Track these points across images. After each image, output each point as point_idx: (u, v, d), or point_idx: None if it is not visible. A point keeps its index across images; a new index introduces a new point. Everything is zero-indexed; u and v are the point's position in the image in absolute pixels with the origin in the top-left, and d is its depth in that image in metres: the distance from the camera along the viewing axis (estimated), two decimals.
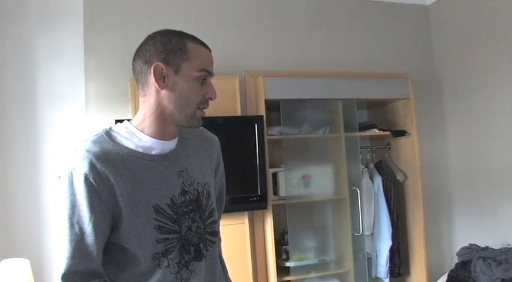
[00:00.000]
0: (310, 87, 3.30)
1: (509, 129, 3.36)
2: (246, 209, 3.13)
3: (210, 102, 1.42)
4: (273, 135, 3.28)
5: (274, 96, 3.19)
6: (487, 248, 3.15)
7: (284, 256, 3.37)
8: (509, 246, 3.12)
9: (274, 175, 3.30)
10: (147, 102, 1.38)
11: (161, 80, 1.35)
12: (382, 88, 3.52)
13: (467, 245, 3.24)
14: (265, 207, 3.13)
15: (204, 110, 1.41)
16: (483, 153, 3.61)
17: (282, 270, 3.25)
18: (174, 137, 1.44)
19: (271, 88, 3.18)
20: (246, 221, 3.14)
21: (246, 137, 3.12)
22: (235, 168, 2.99)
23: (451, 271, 3.17)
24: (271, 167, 3.27)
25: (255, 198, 3.12)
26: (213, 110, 1.53)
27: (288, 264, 3.31)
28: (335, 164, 3.50)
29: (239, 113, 3.19)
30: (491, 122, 3.53)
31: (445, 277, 3.21)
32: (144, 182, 1.34)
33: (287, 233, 3.32)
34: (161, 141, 1.40)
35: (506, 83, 3.39)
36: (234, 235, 3.08)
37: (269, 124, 3.30)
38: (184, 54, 1.35)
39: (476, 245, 3.19)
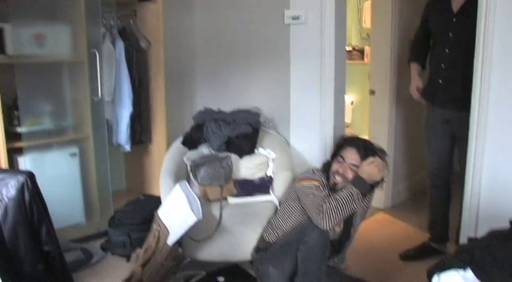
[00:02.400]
0: None
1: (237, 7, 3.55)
2: None
3: None
4: None
5: None
6: (219, 110, 3.39)
7: (16, 122, 3.10)
8: (238, 109, 3.41)
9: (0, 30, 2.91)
10: None
11: None
12: None
13: (202, 109, 3.43)
14: None
15: None
16: (225, 27, 3.78)
17: (13, 137, 3.02)
18: None
19: None
20: None
21: None
22: None
23: (187, 133, 3.35)
24: None
25: None
26: None
27: (19, 129, 3.07)
28: (72, 25, 3.25)
29: None
30: None
31: (178, 142, 3.37)
32: None
33: None
34: None
35: None
36: None
37: None
38: None
39: (210, 108, 3.41)
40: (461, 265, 1.57)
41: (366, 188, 2.47)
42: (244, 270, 3.02)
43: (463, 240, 2.72)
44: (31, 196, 1.91)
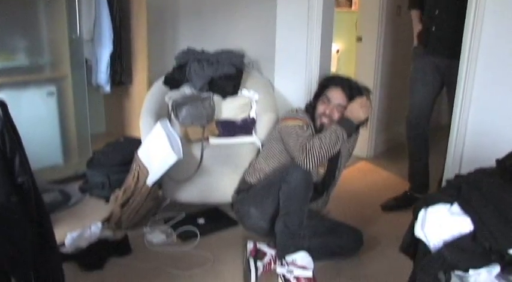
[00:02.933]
0: None
1: None
2: None
3: None
4: None
5: None
6: (202, 51, 3.29)
7: None
8: (221, 50, 3.31)
9: None
10: None
11: None
12: None
13: (185, 49, 3.32)
14: None
15: None
16: None
17: None
18: None
19: None
20: None
21: None
22: None
23: (169, 73, 3.25)
24: None
25: None
26: None
27: None
28: None
29: None
30: None
31: (159, 82, 3.27)
32: None
33: None
34: None
35: None
36: None
37: None
38: None
39: (193, 48, 3.30)
40: (448, 200, 1.54)
41: (352, 128, 2.43)
42: (224, 212, 3.00)
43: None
44: (2, 125, 1.81)
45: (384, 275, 2.44)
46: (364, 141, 4.00)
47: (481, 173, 1.63)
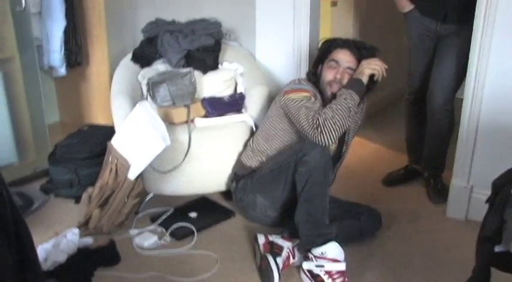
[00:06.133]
0: None
1: None
2: None
3: None
4: None
5: None
6: (173, 21, 2.87)
7: None
8: (194, 19, 2.90)
9: None
10: None
11: None
12: None
13: (153, 20, 2.89)
14: None
15: None
16: None
17: None
18: None
19: None
20: None
21: None
22: None
23: (137, 49, 2.82)
24: None
25: None
26: None
27: None
28: None
29: None
30: None
31: (127, 59, 2.84)
32: None
33: None
34: None
35: None
36: None
37: None
38: None
39: (162, 19, 2.87)
40: None
41: (362, 87, 2.12)
42: (215, 202, 2.65)
43: (459, 155, 2.48)
44: None
45: (410, 256, 2.21)
46: None
47: None
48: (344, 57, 2.19)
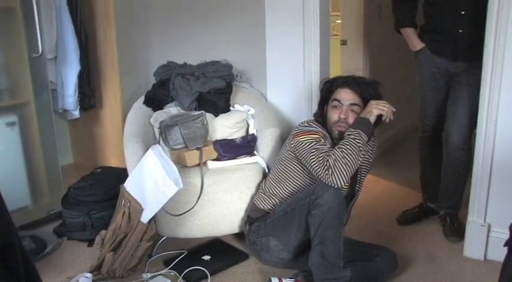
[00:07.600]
0: None
1: None
2: None
3: None
4: None
5: None
6: (185, 64, 2.92)
7: None
8: (205, 62, 2.94)
9: None
10: None
11: None
12: None
13: (165, 63, 2.94)
14: None
15: None
16: None
17: None
18: None
19: None
20: None
21: None
22: None
23: (149, 92, 2.86)
24: None
25: None
26: None
27: None
28: None
29: None
30: None
31: (139, 102, 2.87)
32: None
33: None
34: None
35: None
36: None
37: None
38: None
39: (174, 62, 2.92)
40: None
41: (369, 126, 2.11)
42: (229, 244, 2.62)
43: (474, 192, 2.46)
44: None
45: None
46: None
47: None
48: (346, 96, 2.20)
